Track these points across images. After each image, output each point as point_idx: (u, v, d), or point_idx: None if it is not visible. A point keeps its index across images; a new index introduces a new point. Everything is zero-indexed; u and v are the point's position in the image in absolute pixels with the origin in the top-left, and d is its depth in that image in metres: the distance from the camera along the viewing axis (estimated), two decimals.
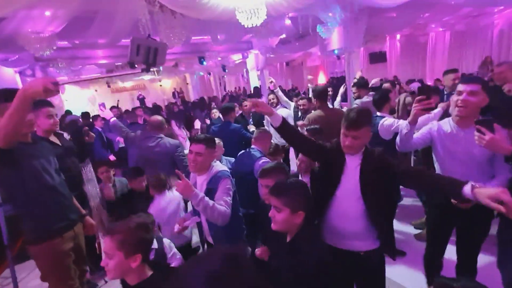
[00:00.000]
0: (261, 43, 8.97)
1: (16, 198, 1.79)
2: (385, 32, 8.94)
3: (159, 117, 3.33)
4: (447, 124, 1.82)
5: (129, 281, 1.25)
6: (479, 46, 10.60)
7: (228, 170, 2.00)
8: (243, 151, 2.84)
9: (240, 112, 4.75)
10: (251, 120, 4.56)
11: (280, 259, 1.43)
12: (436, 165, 1.97)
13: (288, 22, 6.96)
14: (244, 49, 10.32)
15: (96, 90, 14.59)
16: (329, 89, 5.18)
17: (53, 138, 2.34)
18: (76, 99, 13.00)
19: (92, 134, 2.61)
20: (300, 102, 4.11)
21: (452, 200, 1.70)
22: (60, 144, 2.36)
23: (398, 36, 11.79)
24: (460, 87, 1.72)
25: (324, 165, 1.76)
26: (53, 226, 1.86)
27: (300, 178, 2.27)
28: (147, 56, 1.17)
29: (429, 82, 9.50)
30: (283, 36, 8.26)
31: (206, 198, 1.68)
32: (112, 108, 7.05)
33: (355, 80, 4.45)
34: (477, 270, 1.92)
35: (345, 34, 6.98)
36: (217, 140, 2.94)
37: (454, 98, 1.74)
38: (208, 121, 5.55)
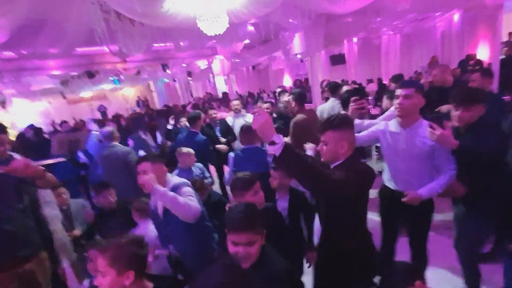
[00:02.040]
0: (226, 48, 9.00)
1: None
2: (342, 36, 9.47)
3: (109, 128, 3.65)
4: (393, 124, 1.96)
5: None
6: (425, 46, 11.67)
7: (188, 181, 2.01)
8: (232, 153, 2.87)
9: (207, 121, 4.52)
10: (218, 128, 4.41)
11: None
12: (384, 160, 2.14)
13: (251, 28, 7.07)
14: (208, 55, 10.28)
15: (49, 102, 13.50)
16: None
17: None
18: (26, 113, 11.93)
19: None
20: (264, 105, 4.25)
21: (403, 199, 1.83)
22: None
23: (355, 40, 12.52)
24: (397, 91, 1.87)
25: None
26: None
27: (277, 196, 2.21)
28: (70, 147, 1.42)
29: (385, 82, 10.19)
30: (247, 41, 8.37)
31: (171, 192, 1.69)
32: (64, 123, 6.66)
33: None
34: (427, 259, 2.08)
35: (306, 39, 7.27)
36: (188, 149, 3.09)
37: (394, 101, 1.92)
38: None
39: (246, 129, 2.79)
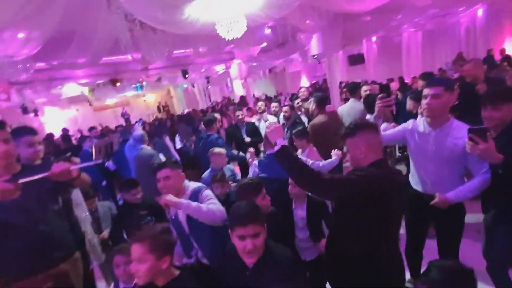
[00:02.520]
0: (243, 52, 9.09)
1: None
2: (361, 35, 9.27)
3: (141, 131, 3.97)
4: (422, 123, 1.86)
5: (158, 282, 1.34)
6: (449, 43, 11.18)
7: (205, 185, 2.01)
8: (256, 161, 2.73)
9: (234, 122, 4.66)
10: (244, 129, 4.50)
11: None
12: (411, 161, 2.03)
13: (268, 31, 7.10)
14: (226, 59, 10.43)
15: (77, 110, 14.25)
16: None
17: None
18: (56, 121, 12.63)
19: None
20: (284, 109, 4.26)
21: (431, 202, 1.73)
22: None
23: (374, 38, 12.22)
24: (425, 91, 1.75)
25: None
26: (11, 270, 1.67)
27: (294, 205, 2.12)
28: (106, 151, 1.76)
29: (407, 80, 9.85)
30: (264, 44, 8.41)
31: (194, 202, 1.74)
32: (92, 129, 7.00)
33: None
34: None
35: (323, 40, 7.20)
36: (220, 149, 3.16)
37: (422, 101, 1.80)
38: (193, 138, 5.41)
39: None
